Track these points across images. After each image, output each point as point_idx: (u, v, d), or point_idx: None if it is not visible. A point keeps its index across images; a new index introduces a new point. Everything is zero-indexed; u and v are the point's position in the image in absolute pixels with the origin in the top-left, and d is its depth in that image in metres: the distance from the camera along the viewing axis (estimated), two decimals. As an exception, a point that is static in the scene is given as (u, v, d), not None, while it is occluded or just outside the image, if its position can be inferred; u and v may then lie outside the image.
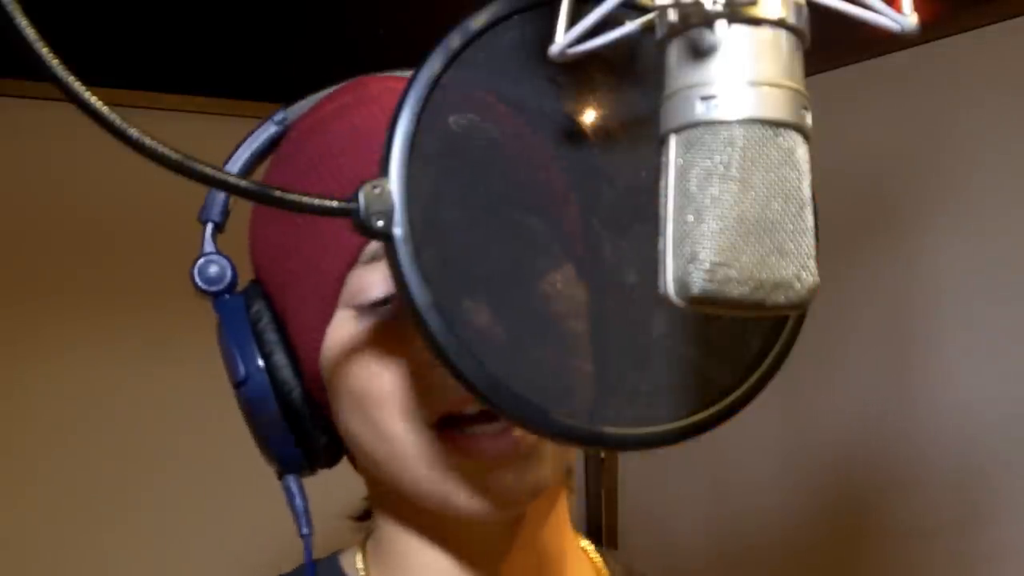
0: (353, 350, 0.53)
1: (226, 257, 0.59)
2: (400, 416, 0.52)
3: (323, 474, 0.61)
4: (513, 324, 0.43)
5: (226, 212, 0.61)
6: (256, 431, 0.57)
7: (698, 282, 0.33)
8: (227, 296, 0.59)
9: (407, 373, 0.52)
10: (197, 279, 0.59)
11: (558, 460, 0.55)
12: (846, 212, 1.31)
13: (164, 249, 1.42)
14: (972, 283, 1.29)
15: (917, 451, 1.31)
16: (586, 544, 0.66)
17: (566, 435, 0.43)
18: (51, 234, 1.39)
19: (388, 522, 0.60)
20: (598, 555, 0.65)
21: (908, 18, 0.35)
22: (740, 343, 0.46)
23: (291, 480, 0.58)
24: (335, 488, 0.64)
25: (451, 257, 0.42)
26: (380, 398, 0.52)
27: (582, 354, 0.45)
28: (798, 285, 0.34)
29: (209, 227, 0.60)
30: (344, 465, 0.63)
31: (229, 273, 0.59)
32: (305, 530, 0.58)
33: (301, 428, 0.57)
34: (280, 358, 0.56)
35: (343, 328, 0.54)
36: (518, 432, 0.51)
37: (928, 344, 1.33)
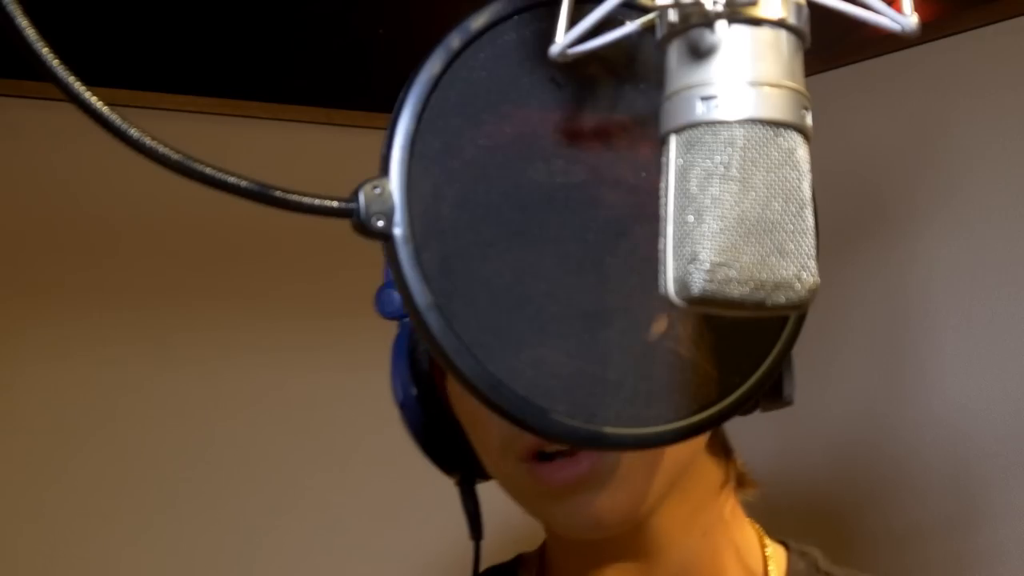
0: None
1: None
2: (498, 450, 0.57)
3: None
4: (513, 324, 0.43)
5: None
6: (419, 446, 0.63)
7: (698, 282, 0.33)
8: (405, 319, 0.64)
9: None
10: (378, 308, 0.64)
11: (646, 481, 0.56)
12: (843, 212, 1.31)
13: (165, 250, 1.42)
14: (967, 284, 1.29)
15: (911, 452, 1.31)
16: (772, 548, 0.67)
17: (566, 435, 0.43)
18: (51, 235, 1.38)
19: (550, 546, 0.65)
20: (782, 558, 0.66)
21: (908, 18, 0.35)
22: (740, 343, 0.46)
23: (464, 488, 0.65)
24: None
25: (451, 257, 0.42)
26: (483, 432, 0.58)
27: (582, 354, 0.45)
28: (798, 285, 0.34)
29: None
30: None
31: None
32: (475, 538, 0.65)
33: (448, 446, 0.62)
34: (424, 385, 0.62)
35: None
36: (587, 460, 0.54)
37: (922, 345, 1.33)
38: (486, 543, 0.67)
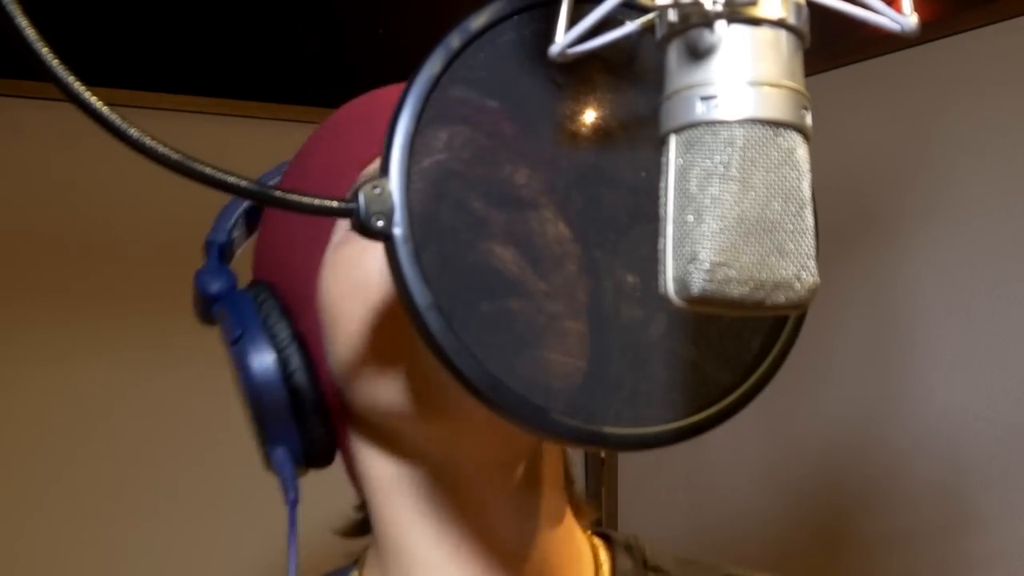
0: None
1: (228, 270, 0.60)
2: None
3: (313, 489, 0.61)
4: (513, 324, 0.43)
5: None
6: (257, 415, 0.56)
7: (698, 282, 0.33)
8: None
9: None
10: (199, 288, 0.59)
11: None
12: (841, 212, 1.31)
13: (165, 250, 1.42)
14: (962, 285, 1.29)
15: (900, 457, 1.31)
16: (598, 543, 0.64)
17: (566, 435, 0.43)
18: (51, 235, 1.38)
19: (391, 525, 0.59)
20: (606, 554, 0.64)
21: (908, 18, 0.35)
22: (740, 343, 0.46)
23: (281, 454, 0.57)
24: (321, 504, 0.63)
25: (451, 257, 0.42)
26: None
27: (582, 354, 0.45)
28: (798, 285, 0.34)
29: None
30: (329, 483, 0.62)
31: (231, 280, 0.59)
32: (292, 495, 0.58)
33: (303, 414, 0.56)
34: (291, 347, 0.55)
35: None
36: None
37: (912, 349, 1.33)
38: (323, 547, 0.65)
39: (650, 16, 0.37)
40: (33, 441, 1.34)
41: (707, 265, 0.33)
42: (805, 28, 0.35)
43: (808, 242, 0.34)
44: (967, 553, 1.23)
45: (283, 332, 0.56)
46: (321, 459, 0.59)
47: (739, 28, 0.34)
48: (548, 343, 0.44)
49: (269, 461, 0.57)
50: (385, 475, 0.58)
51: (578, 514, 0.63)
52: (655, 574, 0.62)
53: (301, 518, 0.58)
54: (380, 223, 0.40)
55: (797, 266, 0.34)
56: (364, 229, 0.40)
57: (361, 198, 0.40)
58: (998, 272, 1.26)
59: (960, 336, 1.28)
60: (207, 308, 0.60)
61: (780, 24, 0.34)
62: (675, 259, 0.34)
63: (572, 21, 0.38)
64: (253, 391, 0.55)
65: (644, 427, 0.44)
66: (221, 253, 0.62)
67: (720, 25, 0.33)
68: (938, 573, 1.25)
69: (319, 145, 0.62)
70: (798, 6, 0.35)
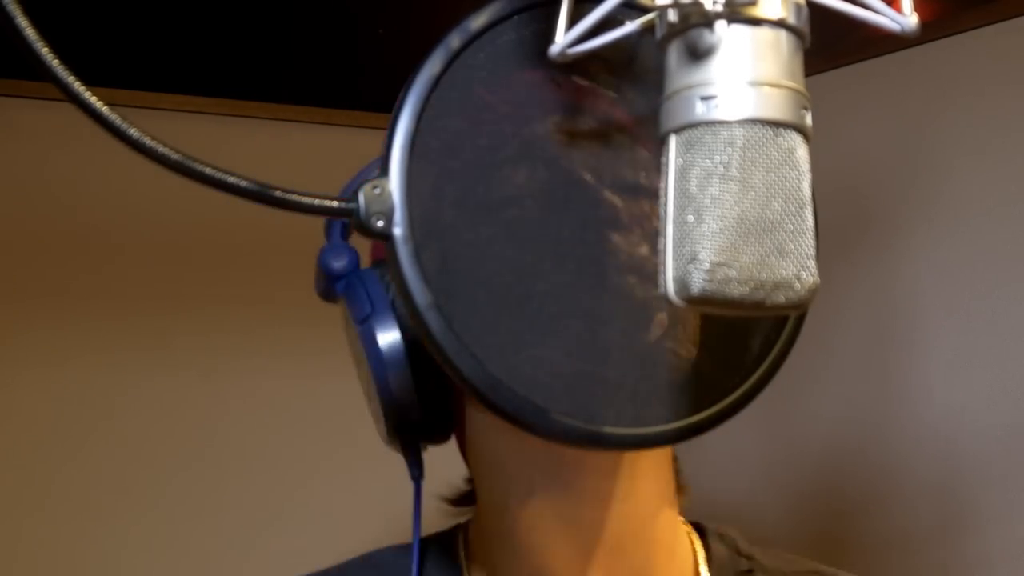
0: None
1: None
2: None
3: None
4: (513, 324, 0.43)
5: None
6: (384, 393, 0.55)
7: (698, 282, 0.33)
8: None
9: None
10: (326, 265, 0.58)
11: None
12: (840, 212, 1.31)
13: (164, 251, 1.42)
14: (958, 287, 1.29)
15: (900, 457, 1.31)
16: (689, 528, 0.65)
17: (566, 435, 0.43)
18: (50, 235, 1.38)
19: (495, 502, 0.59)
20: (699, 541, 0.64)
21: (908, 18, 0.35)
22: (740, 343, 0.46)
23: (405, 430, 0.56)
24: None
25: (451, 257, 0.42)
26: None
27: (582, 354, 0.45)
28: (798, 285, 0.34)
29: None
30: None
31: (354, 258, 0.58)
32: (416, 472, 0.59)
33: (427, 392, 0.55)
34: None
35: None
36: None
37: (911, 349, 1.32)
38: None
39: (650, 16, 0.37)
40: (32, 441, 1.34)
41: (707, 265, 0.33)
42: (805, 28, 0.35)
43: (808, 242, 0.34)
44: (967, 554, 1.23)
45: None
46: (441, 435, 0.59)
47: (739, 28, 0.34)
48: (548, 343, 0.44)
49: (393, 437, 0.57)
50: (496, 451, 0.57)
51: (680, 495, 0.63)
52: (748, 561, 0.63)
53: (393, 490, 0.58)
54: (380, 223, 0.40)
55: (797, 266, 0.34)
56: (364, 229, 0.40)
57: (361, 198, 0.40)
58: (998, 272, 1.25)
59: (960, 336, 1.28)
60: (330, 286, 0.59)
61: (780, 24, 0.34)
62: (675, 259, 0.34)
63: (572, 21, 0.38)
64: (380, 369, 0.54)
65: (644, 427, 0.44)
66: (344, 230, 0.61)
67: (720, 25, 0.33)
68: (938, 574, 1.25)
69: None
70: (798, 6, 0.35)
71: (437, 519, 0.67)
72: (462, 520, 0.66)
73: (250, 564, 1.35)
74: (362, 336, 0.54)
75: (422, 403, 0.55)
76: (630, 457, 0.55)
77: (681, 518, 0.64)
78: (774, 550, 0.66)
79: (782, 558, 0.66)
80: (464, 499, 0.65)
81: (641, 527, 0.57)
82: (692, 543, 0.63)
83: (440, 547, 0.64)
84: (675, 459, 0.63)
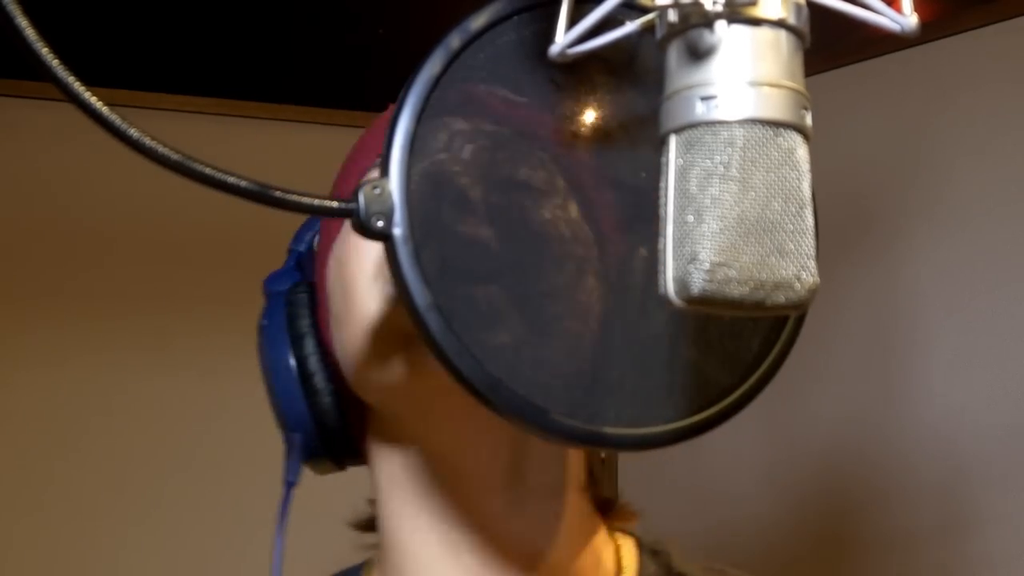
0: None
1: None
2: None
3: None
4: (513, 324, 0.43)
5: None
6: (271, 400, 0.60)
7: (698, 282, 0.33)
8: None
9: None
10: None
11: None
12: (840, 212, 1.31)
13: (165, 251, 1.42)
14: (958, 287, 1.29)
15: (900, 459, 1.31)
16: (628, 544, 0.63)
17: (566, 435, 0.43)
18: (50, 235, 1.38)
19: (396, 526, 0.59)
20: (634, 557, 0.62)
21: (908, 18, 0.35)
22: (740, 343, 0.46)
23: (295, 437, 0.59)
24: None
25: (450, 257, 0.42)
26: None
27: (582, 354, 0.45)
28: (798, 285, 0.34)
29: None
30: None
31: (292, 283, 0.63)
32: (291, 479, 0.61)
33: (314, 400, 0.58)
34: (307, 337, 0.59)
35: None
36: None
37: (912, 349, 1.32)
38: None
39: (650, 16, 0.37)
40: (31, 441, 1.34)
41: (707, 265, 0.33)
42: (805, 28, 0.35)
43: (808, 242, 0.34)
44: (968, 554, 1.23)
45: (303, 325, 0.59)
46: (339, 450, 0.60)
47: (739, 28, 0.34)
48: (548, 343, 0.44)
49: (286, 447, 0.60)
50: (390, 467, 0.58)
51: (611, 515, 0.62)
52: None
53: (319, 512, 0.59)
54: (380, 223, 0.40)
55: (797, 266, 0.34)
56: (364, 229, 0.40)
57: (361, 198, 0.40)
58: (998, 272, 1.25)
59: (960, 336, 1.28)
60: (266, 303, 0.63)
61: (780, 24, 0.34)
62: (675, 259, 0.34)
63: (572, 21, 0.38)
64: (266, 377, 0.59)
65: (644, 427, 0.44)
66: (298, 260, 0.65)
67: (720, 25, 0.33)
68: (939, 573, 1.25)
69: (359, 145, 0.64)
70: (798, 6, 0.35)
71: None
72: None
73: (249, 564, 1.35)
74: (257, 347, 0.60)
75: (310, 413, 0.58)
76: (512, 478, 0.55)
77: (619, 534, 0.63)
78: (718, 565, 0.65)
79: (723, 574, 0.64)
80: (369, 524, 0.64)
81: (534, 548, 0.56)
82: (620, 559, 0.61)
83: None
84: (594, 480, 0.62)
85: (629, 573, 0.61)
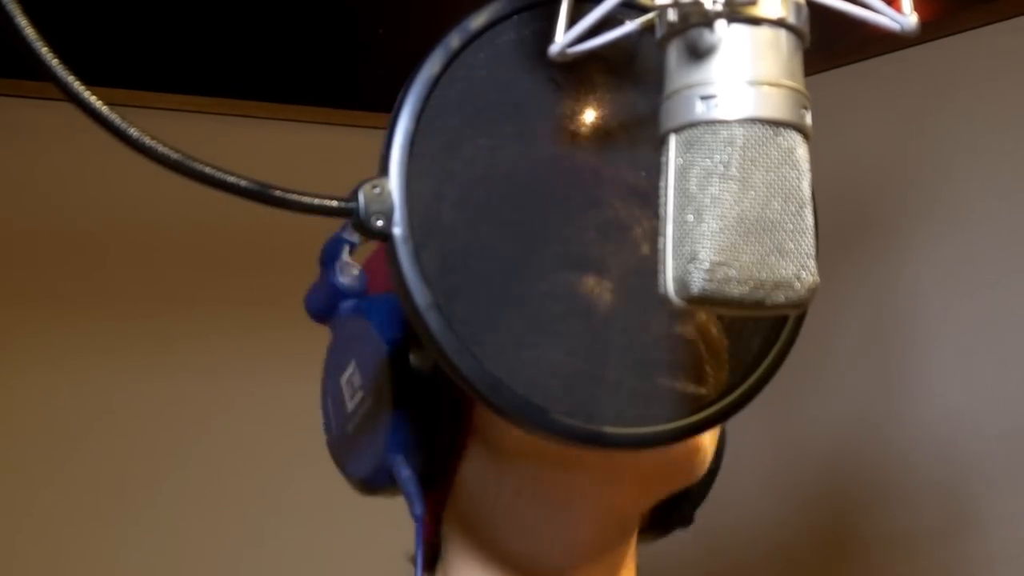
0: None
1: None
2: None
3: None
4: (513, 324, 0.43)
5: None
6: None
7: (698, 282, 0.33)
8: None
9: None
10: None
11: None
12: (840, 212, 1.31)
13: (165, 251, 1.42)
14: (958, 287, 1.29)
15: (903, 460, 1.31)
16: None
17: (566, 435, 0.43)
18: (50, 235, 1.38)
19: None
20: None
21: (908, 18, 0.35)
22: (740, 343, 0.46)
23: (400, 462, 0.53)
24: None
25: (451, 257, 0.42)
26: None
27: (582, 354, 0.45)
28: (798, 284, 0.34)
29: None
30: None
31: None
32: (419, 510, 0.53)
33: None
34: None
35: None
36: None
37: (912, 349, 1.32)
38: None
39: (650, 16, 0.37)
40: (31, 442, 1.34)
41: (707, 265, 0.33)
42: (805, 28, 0.35)
43: (808, 241, 0.34)
44: (969, 554, 1.23)
45: None
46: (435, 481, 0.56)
47: (739, 28, 0.34)
48: (548, 343, 0.44)
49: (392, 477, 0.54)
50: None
51: None
52: None
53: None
54: (380, 223, 0.40)
55: (797, 265, 0.34)
56: (364, 229, 0.40)
57: (361, 197, 0.40)
58: (998, 271, 1.26)
59: (960, 336, 1.28)
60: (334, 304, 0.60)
61: (780, 24, 0.34)
62: (675, 259, 0.34)
63: (572, 21, 0.38)
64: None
65: (644, 427, 0.44)
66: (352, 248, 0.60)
67: (720, 25, 0.33)
68: (940, 574, 1.25)
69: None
70: (798, 6, 0.35)
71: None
72: None
73: (249, 563, 1.35)
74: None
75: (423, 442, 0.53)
76: (622, 554, 0.55)
77: None
78: None
79: None
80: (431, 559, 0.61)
81: None
82: None
83: None
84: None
85: None
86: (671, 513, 0.62)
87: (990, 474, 1.23)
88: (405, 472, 0.52)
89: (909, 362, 1.32)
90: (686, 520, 0.64)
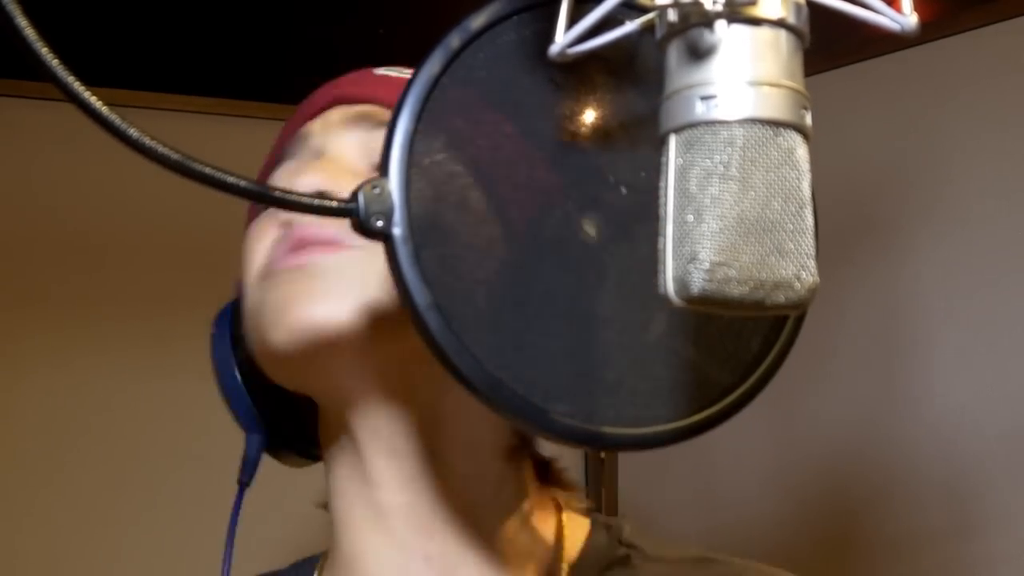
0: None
1: None
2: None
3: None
4: (512, 324, 0.43)
5: None
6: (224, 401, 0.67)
7: (698, 282, 0.33)
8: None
9: None
10: None
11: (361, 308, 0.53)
12: (840, 213, 1.31)
13: (165, 251, 1.42)
14: (959, 287, 1.28)
15: (906, 459, 1.31)
16: (580, 522, 0.63)
17: (566, 435, 0.43)
18: (50, 235, 1.38)
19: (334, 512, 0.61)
20: (582, 529, 0.62)
21: (908, 18, 0.35)
22: (740, 343, 0.46)
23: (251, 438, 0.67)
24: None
25: (450, 257, 0.42)
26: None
27: (582, 354, 0.45)
28: (798, 285, 0.34)
29: None
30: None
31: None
32: (244, 477, 0.69)
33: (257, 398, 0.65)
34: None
35: None
36: (312, 254, 0.54)
37: (913, 350, 1.32)
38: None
39: (650, 16, 0.37)
40: (32, 443, 1.34)
41: (707, 265, 0.33)
42: (805, 28, 0.35)
43: (808, 242, 0.34)
44: (971, 554, 1.23)
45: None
46: (294, 444, 0.67)
47: (739, 28, 0.34)
48: (548, 343, 0.44)
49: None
50: (326, 451, 0.62)
51: (549, 482, 0.63)
52: (628, 549, 0.62)
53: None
54: (380, 223, 0.40)
55: (797, 266, 0.34)
56: (364, 229, 0.40)
57: (361, 198, 0.40)
58: (999, 271, 1.25)
59: (962, 336, 1.28)
60: None
61: (780, 24, 0.34)
62: (675, 259, 0.34)
63: (572, 21, 0.38)
64: (217, 380, 0.66)
65: (644, 427, 0.44)
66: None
67: (720, 25, 0.33)
68: (942, 574, 1.25)
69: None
70: (798, 6, 0.35)
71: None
72: None
73: (249, 563, 1.35)
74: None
75: (257, 410, 0.66)
76: (427, 442, 0.57)
77: (572, 512, 0.63)
78: (671, 541, 0.65)
79: (672, 546, 0.64)
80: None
81: (455, 512, 0.57)
82: (562, 533, 0.61)
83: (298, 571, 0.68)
84: (532, 454, 0.62)
85: (572, 545, 0.61)
86: None
87: (991, 474, 1.23)
88: (249, 441, 0.68)
89: (910, 362, 1.32)
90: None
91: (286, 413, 0.64)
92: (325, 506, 0.63)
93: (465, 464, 0.58)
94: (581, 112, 0.46)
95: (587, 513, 0.64)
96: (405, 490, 0.57)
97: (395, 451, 0.57)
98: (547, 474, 0.63)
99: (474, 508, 0.58)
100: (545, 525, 0.61)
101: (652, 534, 0.64)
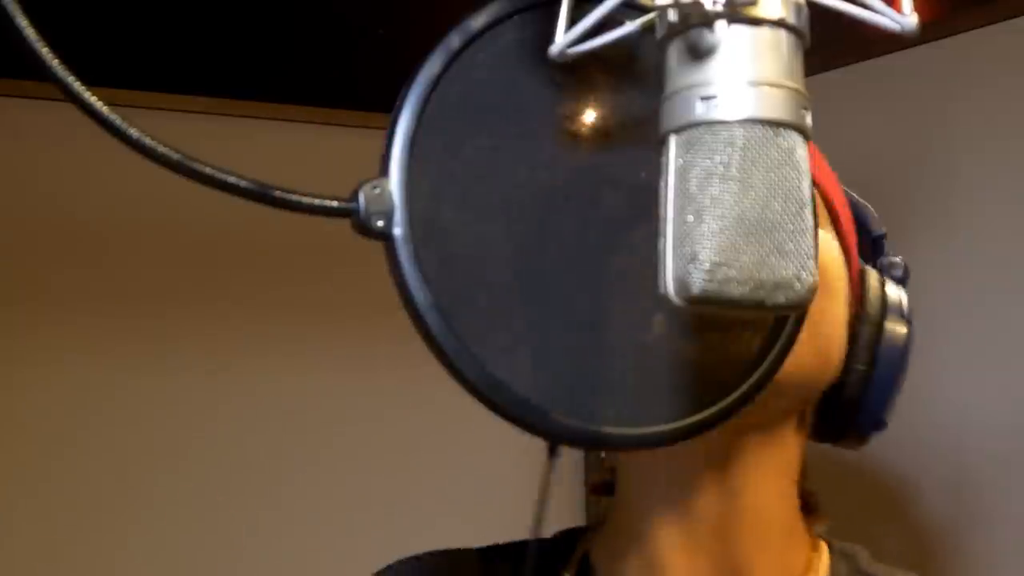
0: None
1: None
2: None
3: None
4: (513, 324, 0.43)
5: None
6: None
7: (698, 282, 0.33)
8: None
9: None
10: None
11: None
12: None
13: (165, 251, 1.42)
14: (961, 287, 1.28)
15: (911, 455, 1.31)
16: (816, 545, 0.66)
17: (566, 435, 0.43)
18: (50, 235, 1.38)
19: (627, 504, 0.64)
20: (825, 557, 0.66)
21: (908, 18, 0.35)
22: (740, 343, 0.46)
23: None
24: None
25: (451, 257, 0.42)
26: None
27: (583, 354, 0.45)
28: (798, 285, 0.34)
29: None
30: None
31: None
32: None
33: None
34: None
35: None
36: None
37: (918, 351, 1.32)
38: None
39: (650, 16, 0.37)
40: (30, 441, 1.34)
41: (707, 265, 0.33)
42: (805, 28, 0.35)
43: (808, 242, 0.34)
44: (974, 553, 1.23)
45: None
46: None
47: (739, 28, 0.34)
48: (548, 343, 0.44)
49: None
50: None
51: (811, 516, 0.66)
52: None
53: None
54: (380, 223, 0.40)
55: (797, 266, 0.34)
56: (364, 229, 0.40)
57: (361, 198, 0.40)
58: (1001, 271, 1.25)
59: (967, 335, 1.28)
60: None
61: (780, 24, 0.34)
62: (675, 259, 0.34)
63: (572, 21, 0.38)
64: None
65: (644, 427, 0.44)
66: None
67: (720, 25, 0.33)
68: (951, 571, 1.25)
69: None
70: (798, 6, 0.35)
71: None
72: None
73: (249, 563, 1.35)
74: None
75: None
76: (745, 455, 0.60)
77: (812, 537, 0.66)
78: (902, 571, 0.69)
79: (902, 573, 0.68)
80: (604, 487, 0.70)
81: (750, 522, 0.61)
82: (811, 557, 0.65)
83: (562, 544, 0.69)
84: (805, 482, 0.67)
85: (822, 572, 0.64)
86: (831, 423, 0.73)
87: (995, 473, 1.23)
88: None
89: (915, 361, 1.32)
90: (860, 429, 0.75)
91: None
92: (597, 488, 0.68)
93: (769, 488, 0.63)
94: (581, 112, 0.46)
95: (824, 537, 0.67)
96: (712, 496, 0.61)
97: (715, 463, 0.61)
98: (809, 508, 0.67)
99: (765, 530, 0.62)
100: (797, 557, 0.64)
101: (886, 561, 0.68)
